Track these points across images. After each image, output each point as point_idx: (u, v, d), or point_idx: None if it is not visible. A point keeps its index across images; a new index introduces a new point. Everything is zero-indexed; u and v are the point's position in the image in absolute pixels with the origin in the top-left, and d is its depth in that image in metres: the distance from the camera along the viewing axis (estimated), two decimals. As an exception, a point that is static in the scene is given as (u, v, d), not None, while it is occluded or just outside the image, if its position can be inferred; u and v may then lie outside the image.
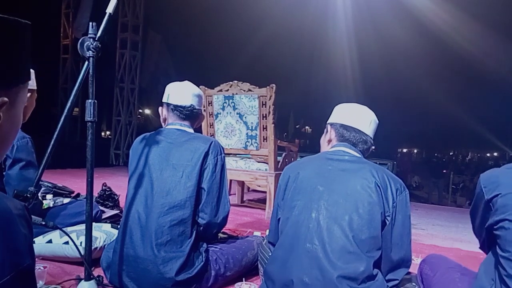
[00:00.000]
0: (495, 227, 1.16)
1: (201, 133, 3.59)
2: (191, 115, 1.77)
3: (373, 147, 1.54)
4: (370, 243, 1.28)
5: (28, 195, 1.43)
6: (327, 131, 1.57)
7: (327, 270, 1.23)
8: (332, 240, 1.27)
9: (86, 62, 1.46)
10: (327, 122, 1.57)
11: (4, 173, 1.92)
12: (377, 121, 1.55)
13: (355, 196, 1.32)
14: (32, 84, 2.02)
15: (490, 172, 1.26)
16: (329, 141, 1.54)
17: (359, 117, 1.51)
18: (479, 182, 1.25)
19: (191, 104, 1.75)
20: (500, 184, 1.16)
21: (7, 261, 0.56)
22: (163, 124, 1.84)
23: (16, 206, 0.60)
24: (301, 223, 1.33)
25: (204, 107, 1.88)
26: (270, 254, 1.51)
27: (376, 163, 1.50)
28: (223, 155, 1.74)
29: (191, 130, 1.77)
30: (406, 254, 1.38)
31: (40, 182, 1.56)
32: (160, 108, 1.83)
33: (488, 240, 1.27)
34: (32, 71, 1.97)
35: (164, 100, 1.78)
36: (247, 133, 3.54)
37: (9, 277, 0.55)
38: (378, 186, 1.32)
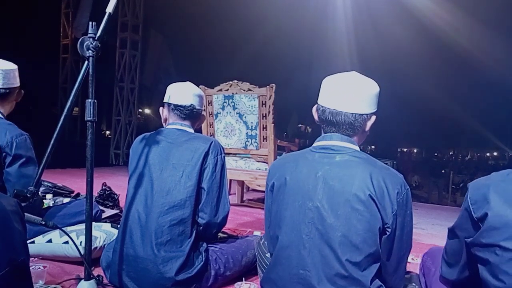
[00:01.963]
0: (481, 248, 1.02)
1: (201, 132, 3.59)
2: (191, 115, 1.77)
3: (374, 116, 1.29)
4: (367, 260, 1.17)
5: (28, 195, 1.43)
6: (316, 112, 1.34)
7: None
8: (325, 266, 1.17)
9: (86, 62, 1.46)
10: (317, 101, 1.33)
11: (3, 170, 1.92)
12: (378, 91, 1.28)
13: (348, 213, 1.17)
14: (16, 81, 2.02)
15: (480, 182, 1.08)
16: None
17: (353, 97, 1.24)
18: (467, 196, 1.08)
19: (191, 104, 1.75)
20: (490, 201, 1.00)
21: (2, 257, 0.57)
22: (164, 124, 1.84)
23: (9, 203, 0.61)
24: (291, 247, 1.22)
25: (204, 107, 1.88)
26: (267, 255, 1.49)
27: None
28: (223, 155, 1.74)
29: (192, 130, 1.78)
30: (406, 252, 1.27)
31: (40, 182, 1.56)
32: (161, 109, 1.84)
33: (469, 263, 1.13)
34: (15, 67, 1.98)
35: (165, 100, 1.79)
36: (247, 133, 3.55)
37: (4, 272, 0.56)
38: (373, 199, 1.16)
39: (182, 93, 1.77)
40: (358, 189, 1.17)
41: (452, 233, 1.23)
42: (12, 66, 1.99)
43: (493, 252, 0.99)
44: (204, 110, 1.87)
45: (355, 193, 1.17)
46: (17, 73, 2.03)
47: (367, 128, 1.30)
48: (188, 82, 1.83)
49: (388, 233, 1.19)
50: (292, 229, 1.23)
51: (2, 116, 2.00)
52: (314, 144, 1.33)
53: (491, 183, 1.04)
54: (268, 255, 1.41)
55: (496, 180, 1.04)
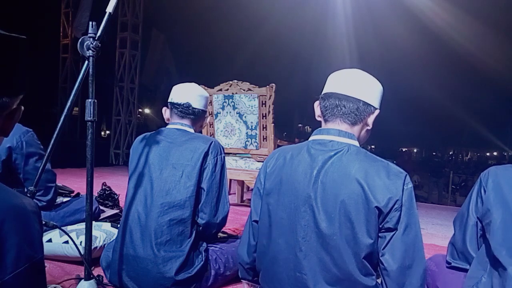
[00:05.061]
0: (485, 215, 1.27)
1: (201, 132, 3.59)
2: (189, 113, 1.76)
3: (377, 110, 1.26)
4: (363, 264, 1.13)
5: (28, 195, 1.43)
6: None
7: None
8: (322, 269, 1.14)
9: (86, 62, 1.46)
10: (321, 94, 1.31)
11: (19, 171, 1.93)
12: (382, 89, 1.27)
13: (342, 216, 1.12)
14: None
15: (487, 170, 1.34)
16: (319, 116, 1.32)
17: (360, 85, 1.22)
18: (479, 178, 1.34)
19: (187, 102, 1.75)
20: (489, 177, 1.30)
21: (23, 253, 0.61)
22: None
23: (30, 203, 0.66)
24: (288, 249, 1.19)
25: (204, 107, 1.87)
26: None
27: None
28: (223, 155, 1.74)
29: (192, 130, 1.77)
30: (415, 258, 1.15)
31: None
32: (164, 109, 1.84)
33: (483, 236, 1.32)
34: None
35: (169, 100, 1.80)
36: (246, 133, 3.55)
37: (24, 268, 0.60)
38: (368, 200, 1.11)
39: (181, 92, 1.78)
40: (353, 191, 1.12)
41: (461, 221, 1.39)
42: None
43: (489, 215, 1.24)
44: (205, 111, 1.86)
45: (350, 195, 1.12)
46: None
47: (369, 122, 1.25)
48: (192, 83, 1.84)
49: (385, 236, 1.13)
50: (288, 231, 1.20)
51: None
52: (311, 138, 1.28)
53: (490, 169, 1.33)
54: (261, 275, 1.35)
55: (494, 167, 1.33)
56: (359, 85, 1.23)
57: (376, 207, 1.10)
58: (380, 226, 1.13)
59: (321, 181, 1.16)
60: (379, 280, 1.20)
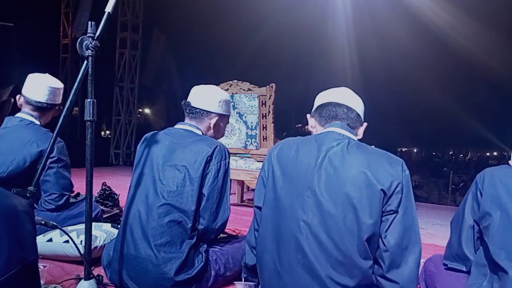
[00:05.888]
0: (483, 217, 1.31)
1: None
2: (190, 112, 1.76)
3: (364, 123, 1.40)
4: (365, 247, 1.18)
5: (28, 195, 1.43)
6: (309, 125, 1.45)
7: (324, 284, 1.18)
8: (323, 252, 1.19)
9: (85, 61, 1.46)
10: (313, 108, 1.45)
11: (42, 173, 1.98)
12: (362, 103, 1.44)
13: (346, 201, 1.19)
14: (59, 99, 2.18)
15: (482, 172, 1.39)
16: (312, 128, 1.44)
17: (353, 100, 1.39)
18: (474, 181, 1.40)
19: (188, 101, 1.76)
20: (485, 178, 1.35)
21: (14, 255, 0.58)
22: None
23: (21, 203, 0.63)
24: (291, 232, 1.24)
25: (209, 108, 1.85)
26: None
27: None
28: (227, 160, 1.69)
29: (199, 132, 1.74)
30: (410, 240, 1.24)
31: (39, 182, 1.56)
32: None
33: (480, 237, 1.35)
34: (61, 85, 2.09)
35: None
36: (246, 133, 3.55)
37: (15, 271, 0.58)
38: (372, 186, 1.19)
39: (191, 92, 1.79)
40: (356, 177, 1.20)
41: (456, 224, 1.44)
42: (60, 85, 2.17)
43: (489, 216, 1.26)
44: (211, 112, 1.78)
45: (353, 181, 1.20)
46: (62, 91, 2.21)
47: (359, 132, 1.39)
48: (209, 85, 1.83)
49: (388, 219, 1.21)
50: (291, 216, 1.25)
51: (40, 125, 2.11)
52: (317, 132, 1.38)
53: (486, 170, 1.38)
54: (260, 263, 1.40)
55: (489, 169, 1.38)
56: (352, 99, 1.40)
57: (381, 189, 1.19)
58: (383, 209, 1.20)
59: (325, 168, 1.24)
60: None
